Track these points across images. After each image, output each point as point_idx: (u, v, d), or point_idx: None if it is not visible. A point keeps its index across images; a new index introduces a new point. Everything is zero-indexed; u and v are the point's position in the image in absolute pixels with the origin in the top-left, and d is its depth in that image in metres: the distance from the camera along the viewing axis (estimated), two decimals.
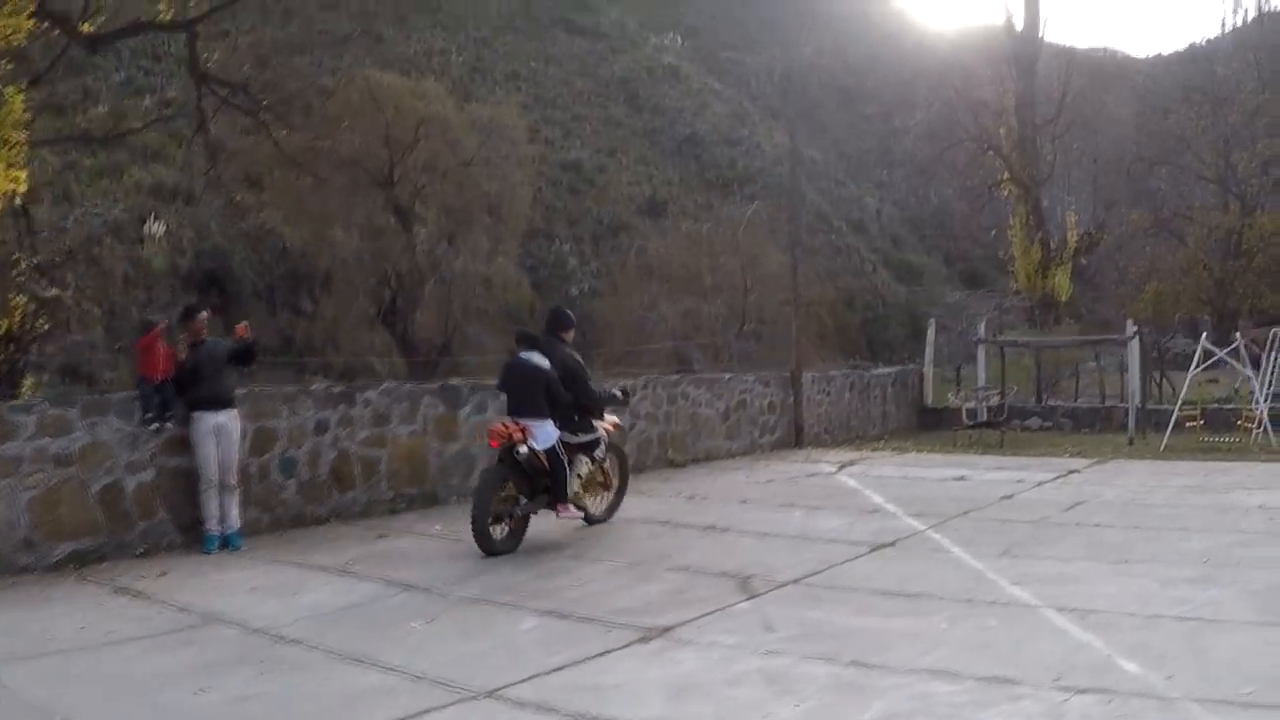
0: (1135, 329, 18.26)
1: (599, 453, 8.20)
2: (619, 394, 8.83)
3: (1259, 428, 15.16)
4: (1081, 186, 46.58)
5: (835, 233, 38.96)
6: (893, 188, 48.11)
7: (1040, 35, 36.27)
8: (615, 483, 8.65)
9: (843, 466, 12.91)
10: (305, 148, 16.97)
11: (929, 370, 21.36)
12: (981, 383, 19.51)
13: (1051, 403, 21.23)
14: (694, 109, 41.45)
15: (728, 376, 15.17)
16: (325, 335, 19.54)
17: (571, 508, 7.89)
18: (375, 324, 19.60)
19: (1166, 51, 55.30)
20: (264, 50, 20.01)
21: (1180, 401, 16.27)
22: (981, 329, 21.22)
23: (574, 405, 7.88)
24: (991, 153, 34.05)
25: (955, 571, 6.60)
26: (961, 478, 11.65)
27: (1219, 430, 15.82)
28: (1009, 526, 8.20)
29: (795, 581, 6.44)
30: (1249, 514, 8.40)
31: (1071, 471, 12.05)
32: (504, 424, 7.71)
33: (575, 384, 7.91)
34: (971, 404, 18.10)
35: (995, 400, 18.08)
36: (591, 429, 8.12)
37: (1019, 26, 35.67)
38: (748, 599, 5.94)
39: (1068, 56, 39.99)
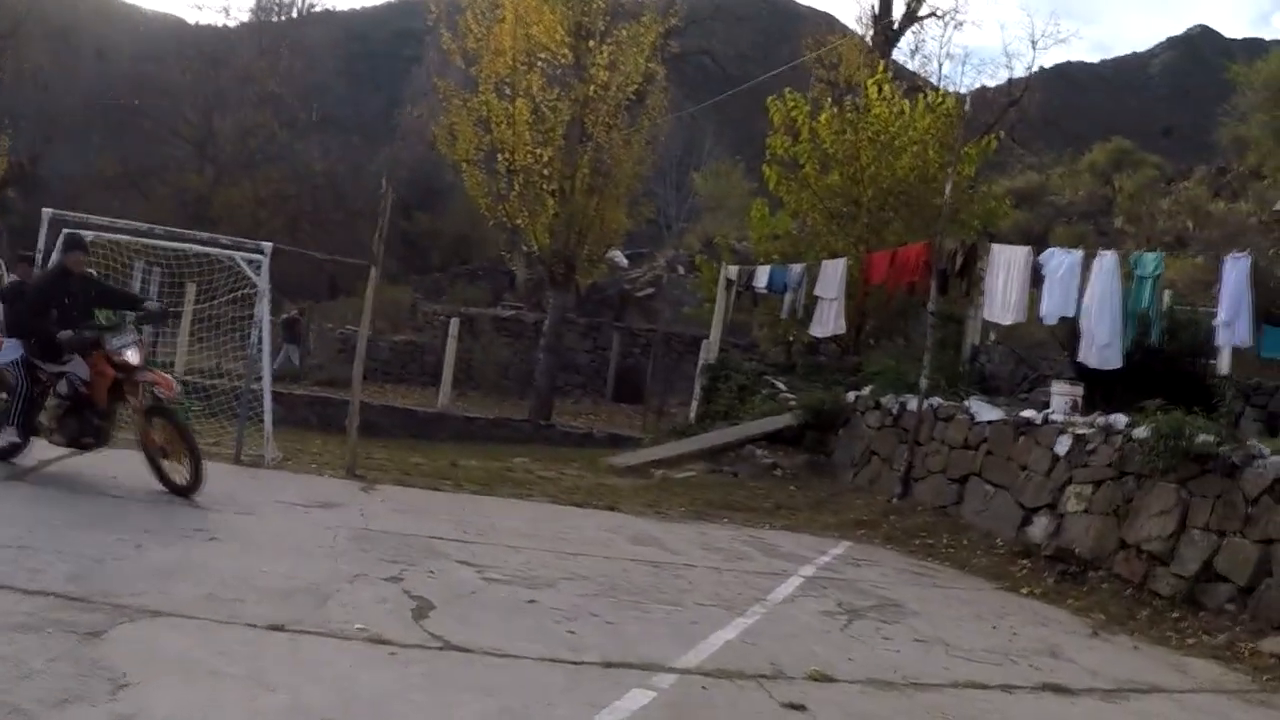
0: None
1: (61, 386, 9.28)
2: (89, 334, 9.24)
3: None
4: (49, 123, 46.61)
5: None
6: None
7: None
8: (183, 452, 9.19)
9: None
10: None
11: None
12: None
13: None
14: None
15: None
16: None
17: (11, 432, 9.27)
18: None
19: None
20: None
21: None
22: None
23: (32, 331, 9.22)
24: None
25: None
26: None
27: None
28: None
29: None
30: None
31: None
32: None
33: (23, 310, 9.33)
34: None
35: None
36: (57, 362, 9.20)
37: None
38: None
39: None
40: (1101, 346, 11.62)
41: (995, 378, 18.90)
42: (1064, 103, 51.20)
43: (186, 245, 13.34)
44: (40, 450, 10.51)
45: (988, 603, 9.21)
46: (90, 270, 10.20)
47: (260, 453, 12.07)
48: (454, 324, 22.88)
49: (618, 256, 31.66)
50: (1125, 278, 12.01)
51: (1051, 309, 12.37)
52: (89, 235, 12.28)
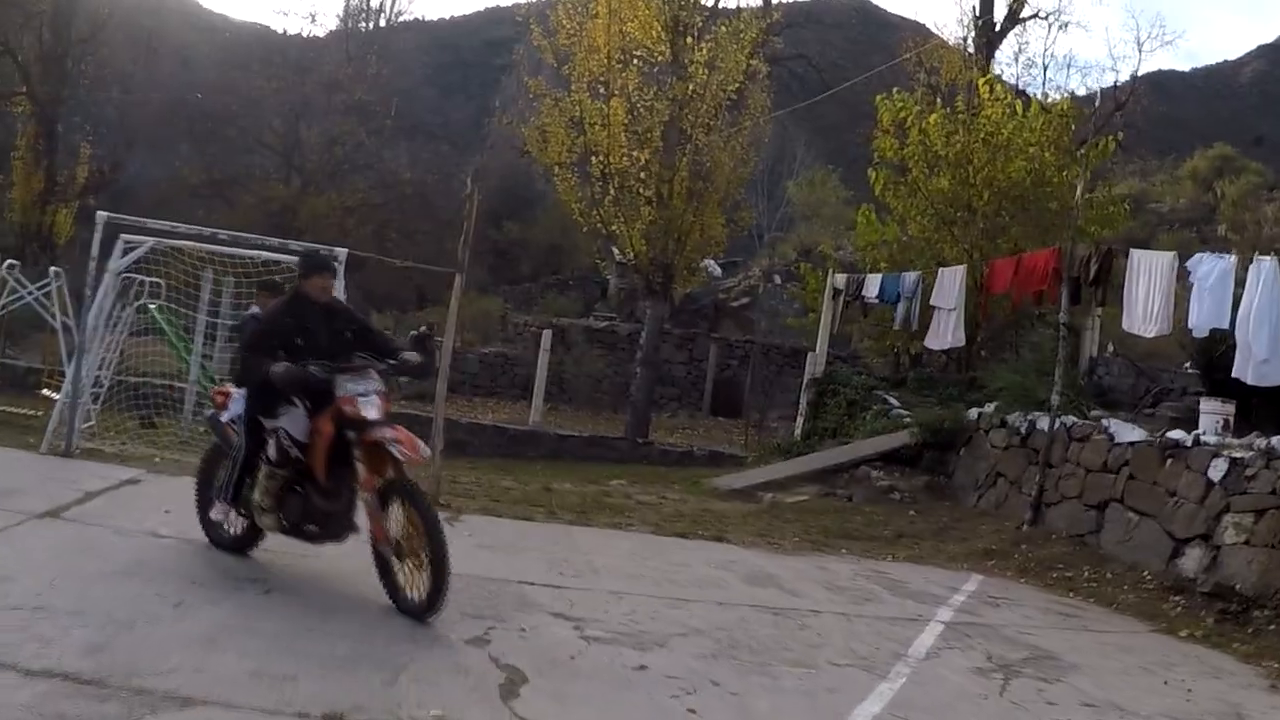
0: None
1: (269, 449, 6.90)
2: (315, 371, 6.65)
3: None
4: (131, 130, 47.01)
5: None
6: None
7: None
8: (423, 553, 6.29)
9: None
10: None
11: None
12: None
13: None
14: None
15: None
16: None
17: (224, 507, 7.20)
18: None
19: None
20: None
21: None
22: None
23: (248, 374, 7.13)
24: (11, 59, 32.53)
25: None
26: None
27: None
28: None
29: None
30: None
31: None
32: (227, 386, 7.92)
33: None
34: None
35: None
36: (272, 413, 6.86)
37: None
38: None
39: None
40: (1260, 362, 10.38)
41: (1114, 391, 17.64)
42: (1156, 111, 49.58)
43: (255, 252, 12.57)
44: (88, 479, 9.70)
45: (1148, 650, 8.12)
46: (341, 301, 7.77)
47: None
48: (546, 336, 21.99)
49: (711, 266, 30.69)
50: None
51: (1202, 320, 11.12)
52: (143, 242, 11.53)
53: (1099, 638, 8.36)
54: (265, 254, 12.78)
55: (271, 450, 6.85)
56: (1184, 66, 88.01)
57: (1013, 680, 6.75)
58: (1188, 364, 17.73)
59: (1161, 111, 50.05)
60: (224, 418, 7.56)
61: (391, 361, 7.02)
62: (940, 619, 8.27)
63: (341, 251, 12.18)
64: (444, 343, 11.92)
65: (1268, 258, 10.71)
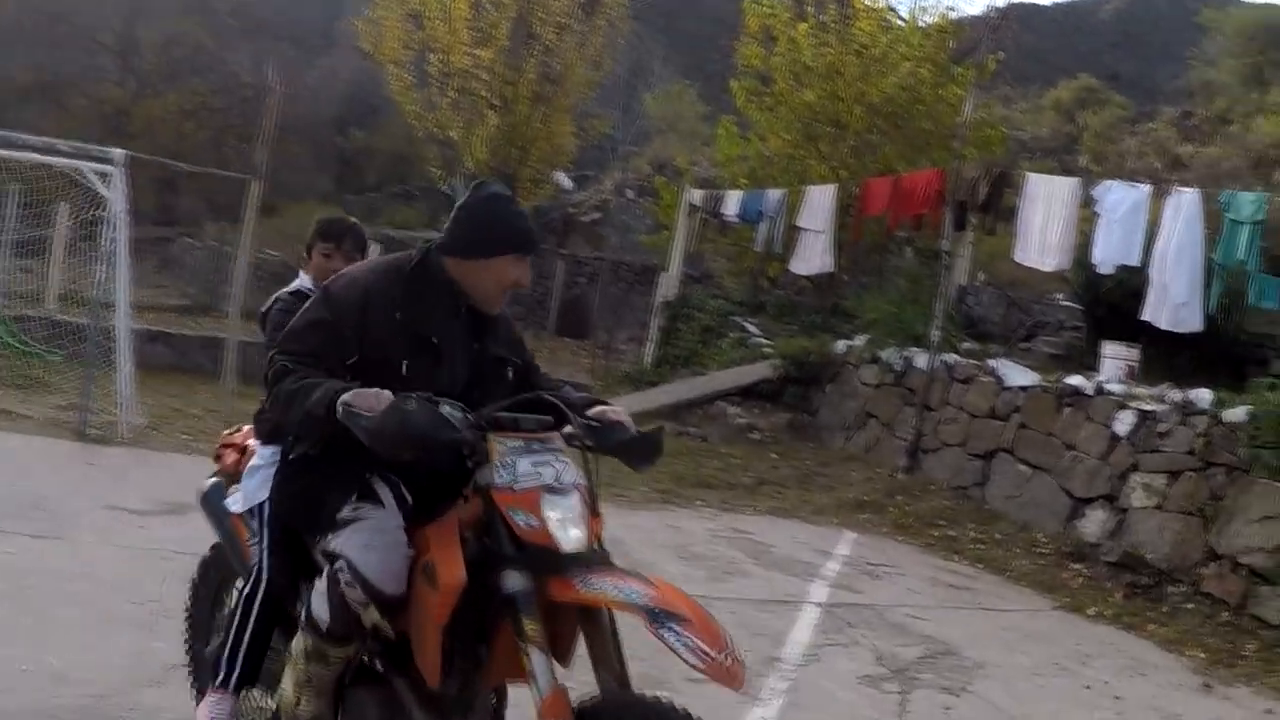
0: None
1: (314, 600, 2.78)
2: (456, 415, 2.53)
3: None
4: None
5: None
6: None
7: None
8: None
9: None
10: None
11: None
12: None
13: None
14: None
15: None
16: None
17: (223, 699, 3.13)
18: None
19: None
20: None
21: None
22: None
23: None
24: None
25: None
26: None
27: None
28: None
29: None
30: None
31: None
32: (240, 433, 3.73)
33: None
34: None
35: None
36: (325, 519, 2.79)
37: None
38: None
39: None
40: (1177, 305, 9.03)
41: (985, 321, 16.50)
42: (1021, 39, 49.58)
43: (16, 154, 10.18)
44: None
45: (1056, 636, 6.85)
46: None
47: (115, 419, 9.09)
48: (374, 250, 19.79)
49: (562, 178, 28.71)
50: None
51: (1109, 255, 9.70)
52: None
53: (999, 620, 7.00)
54: (34, 156, 10.41)
55: (320, 605, 2.77)
56: (1044, 0, 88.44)
57: (911, 694, 5.29)
58: (1060, 295, 16.69)
59: (1024, 41, 49.94)
60: (233, 503, 3.50)
61: (591, 423, 2.91)
62: (815, 598, 6.79)
63: (119, 153, 9.90)
64: (238, 255, 9.95)
65: (1189, 190, 9.32)
